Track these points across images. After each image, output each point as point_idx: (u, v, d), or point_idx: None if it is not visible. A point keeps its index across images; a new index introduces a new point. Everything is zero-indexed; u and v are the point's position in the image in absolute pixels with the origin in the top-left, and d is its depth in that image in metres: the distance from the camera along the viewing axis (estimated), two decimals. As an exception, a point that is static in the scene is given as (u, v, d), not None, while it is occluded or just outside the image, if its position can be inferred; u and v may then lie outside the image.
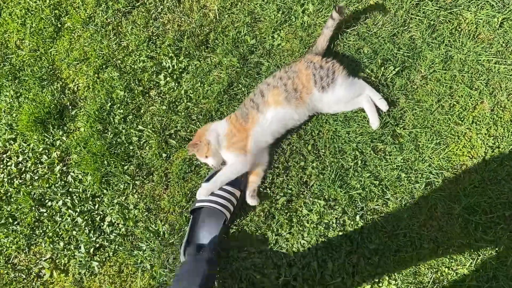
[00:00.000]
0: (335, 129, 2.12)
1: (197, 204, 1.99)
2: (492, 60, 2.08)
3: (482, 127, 2.02)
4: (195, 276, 1.73)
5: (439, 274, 1.86)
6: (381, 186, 2.00)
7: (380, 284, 1.87)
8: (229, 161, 2.04)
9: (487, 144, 1.99)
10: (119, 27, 2.58)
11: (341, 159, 2.07)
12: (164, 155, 2.24)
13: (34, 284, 2.17)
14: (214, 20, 2.45)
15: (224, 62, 2.33)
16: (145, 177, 2.24)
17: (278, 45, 2.32)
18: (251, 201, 2.03)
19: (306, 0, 2.33)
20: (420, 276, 1.87)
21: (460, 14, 2.18)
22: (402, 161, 2.02)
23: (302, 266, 1.93)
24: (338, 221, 1.98)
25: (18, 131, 2.49)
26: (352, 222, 1.97)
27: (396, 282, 1.86)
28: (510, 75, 2.05)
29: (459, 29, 2.16)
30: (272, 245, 1.98)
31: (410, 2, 2.21)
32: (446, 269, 1.85)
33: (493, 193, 1.92)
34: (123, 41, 2.54)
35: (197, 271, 1.76)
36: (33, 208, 2.30)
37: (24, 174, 2.41)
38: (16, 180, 2.40)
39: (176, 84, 2.38)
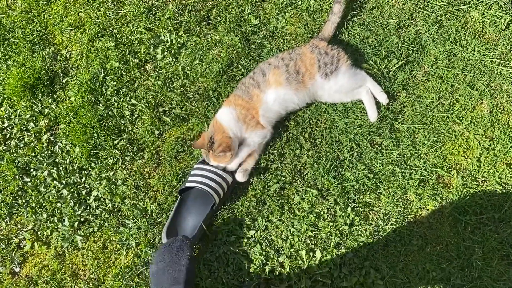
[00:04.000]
0: (333, 119, 2.09)
1: (188, 184, 1.94)
2: (495, 61, 2.07)
3: (480, 128, 2.01)
4: (175, 272, 1.70)
5: (425, 271, 1.87)
6: (375, 179, 1.99)
7: (367, 277, 1.87)
8: (250, 138, 1.99)
9: (483, 145, 1.99)
10: (118, -5, 2.47)
11: (337, 149, 2.05)
12: (156, 132, 2.18)
13: (13, 254, 2.11)
14: (217, -4, 2.37)
15: (225, 40, 2.26)
16: (135, 153, 2.18)
17: (282, 27, 2.25)
18: (239, 176, 1.95)
19: (314, -16, 2.27)
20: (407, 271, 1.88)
21: (468, 12, 2.15)
22: (398, 156, 2.00)
23: (290, 254, 1.91)
24: (329, 212, 1.97)
25: (4, 95, 2.39)
26: (343, 214, 1.96)
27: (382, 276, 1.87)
28: (511, 78, 2.04)
29: (466, 27, 2.14)
30: (261, 231, 1.96)
31: (419, -5, 2.17)
32: (433, 266, 1.86)
33: (485, 194, 1.93)
34: (121, 10, 2.43)
35: (179, 267, 1.72)
36: (17, 176, 2.22)
37: (9, 141, 2.32)
38: (0, 146, 2.31)
39: (174, 60, 2.31)
